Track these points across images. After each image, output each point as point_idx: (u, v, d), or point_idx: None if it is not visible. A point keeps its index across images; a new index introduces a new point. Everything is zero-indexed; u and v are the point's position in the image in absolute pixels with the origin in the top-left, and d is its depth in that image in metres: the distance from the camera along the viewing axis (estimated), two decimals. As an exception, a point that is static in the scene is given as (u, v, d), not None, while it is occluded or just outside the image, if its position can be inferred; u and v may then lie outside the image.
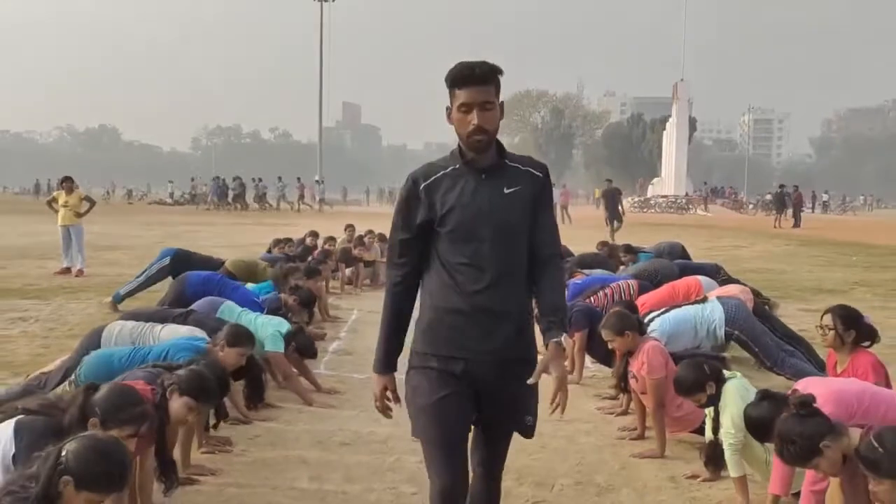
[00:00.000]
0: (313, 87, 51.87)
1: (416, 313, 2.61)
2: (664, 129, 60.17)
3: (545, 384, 2.50)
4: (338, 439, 4.75)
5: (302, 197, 41.71)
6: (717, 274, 8.78)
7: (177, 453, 3.88)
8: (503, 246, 2.48)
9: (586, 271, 8.74)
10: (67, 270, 12.40)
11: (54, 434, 2.67)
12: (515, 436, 2.66)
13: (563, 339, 2.47)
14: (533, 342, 2.58)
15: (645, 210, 49.74)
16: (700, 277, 7.08)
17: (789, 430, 2.99)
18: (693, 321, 5.64)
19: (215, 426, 4.42)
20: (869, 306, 10.63)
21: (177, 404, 3.41)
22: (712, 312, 5.69)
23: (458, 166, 2.53)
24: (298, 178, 43.52)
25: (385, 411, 2.62)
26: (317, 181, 47.42)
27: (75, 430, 2.69)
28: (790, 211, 32.92)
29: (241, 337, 4.52)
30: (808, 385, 3.58)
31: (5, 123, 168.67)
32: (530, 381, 2.46)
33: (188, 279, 6.84)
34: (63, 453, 2.30)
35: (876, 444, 2.69)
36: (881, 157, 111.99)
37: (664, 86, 60.28)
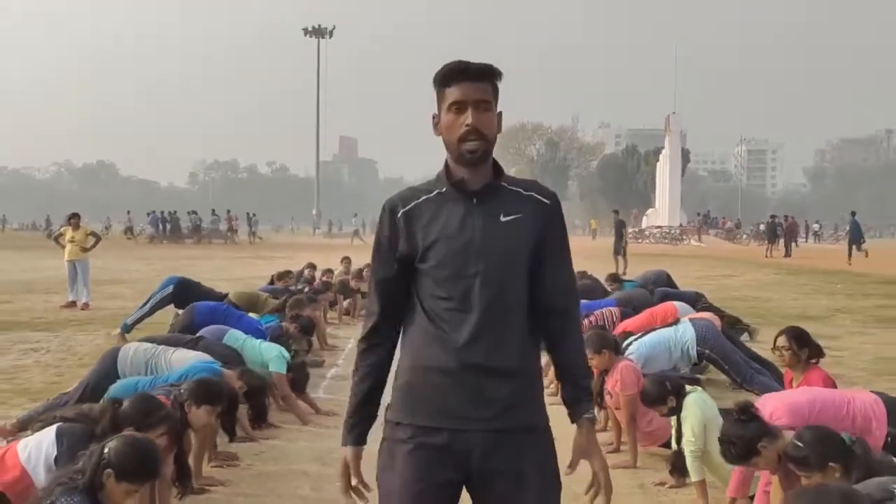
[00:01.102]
0: (310, 121, 53.19)
1: (393, 374, 2.19)
2: (658, 160, 61.04)
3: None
4: (337, 455, 5.02)
5: (230, 229, 42.20)
6: (697, 302, 9.25)
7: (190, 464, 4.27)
8: (497, 286, 2.04)
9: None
10: (73, 304, 12.79)
11: (89, 439, 3.09)
12: None
13: (595, 413, 2.14)
14: (541, 405, 2.13)
15: (639, 240, 50.29)
16: (676, 303, 7.54)
17: (731, 433, 3.41)
18: (667, 343, 6.05)
19: (231, 439, 4.88)
20: (847, 332, 11.09)
21: (199, 413, 3.84)
22: (684, 333, 6.10)
23: (444, 190, 2.10)
24: (228, 211, 43.97)
25: (347, 493, 2.14)
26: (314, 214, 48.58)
27: (108, 436, 3.10)
28: (783, 240, 33.48)
29: (255, 390, 5.22)
30: (766, 400, 4.00)
31: (3, 160, 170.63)
32: (567, 471, 2.11)
33: (196, 309, 7.27)
34: (105, 450, 2.72)
35: (799, 444, 3.10)
36: (874, 186, 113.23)
37: (659, 117, 61.24)
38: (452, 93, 2.05)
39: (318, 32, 71.69)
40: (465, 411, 2.01)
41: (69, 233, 13.20)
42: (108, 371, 5.13)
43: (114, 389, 4.81)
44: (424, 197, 2.12)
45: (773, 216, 35.94)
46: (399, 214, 2.11)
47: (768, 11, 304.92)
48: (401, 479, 2.04)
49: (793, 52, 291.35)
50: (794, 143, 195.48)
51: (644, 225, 56.34)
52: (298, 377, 6.06)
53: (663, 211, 56.00)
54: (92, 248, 13.35)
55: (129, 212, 49.68)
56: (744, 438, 3.36)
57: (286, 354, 6.03)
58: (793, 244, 33.92)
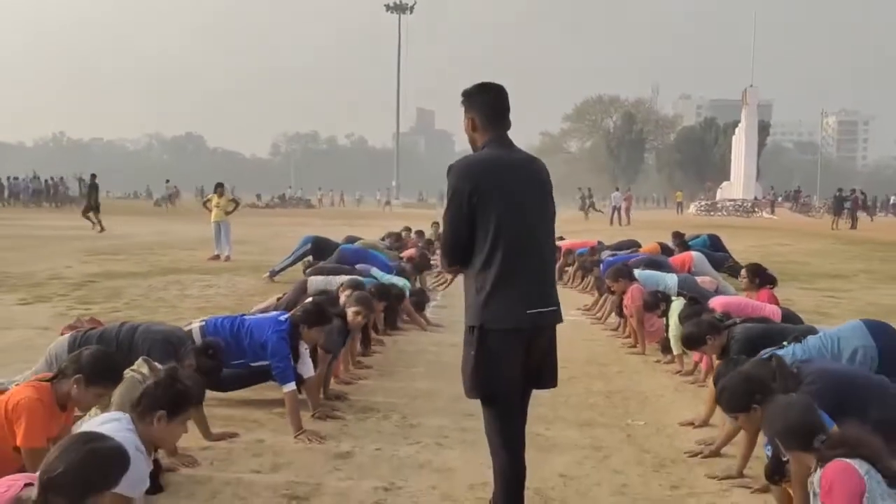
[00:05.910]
0: (389, 93, 55.38)
1: None
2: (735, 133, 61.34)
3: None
4: (447, 342, 7.74)
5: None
6: (726, 261, 11.63)
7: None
8: None
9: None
10: (217, 257, 15.68)
11: (331, 304, 5.77)
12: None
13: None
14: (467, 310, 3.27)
15: (711, 213, 51.50)
16: (693, 253, 9.96)
17: (686, 312, 5.87)
18: (655, 280, 8.09)
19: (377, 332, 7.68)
20: (861, 286, 13.09)
21: (378, 305, 6.56)
22: (668, 279, 8.15)
23: None
24: (52, 178, 48.18)
25: None
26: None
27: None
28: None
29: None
30: (712, 300, 6.40)
31: (99, 131, 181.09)
32: None
33: (342, 251, 10.07)
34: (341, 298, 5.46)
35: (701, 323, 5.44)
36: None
37: (741, 88, 61.23)
38: None
39: (400, 8, 74.30)
40: None
41: (215, 199, 16.22)
42: (300, 292, 7.85)
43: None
44: None
45: (839, 189, 36.88)
46: None
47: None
48: None
49: (886, 20, 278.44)
50: (888, 115, 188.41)
51: (718, 198, 57.10)
52: (419, 299, 8.70)
53: (738, 184, 56.41)
54: (233, 212, 16.35)
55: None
56: (691, 315, 5.79)
57: (408, 284, 8.72)
58: (858, 216, 34.85)
